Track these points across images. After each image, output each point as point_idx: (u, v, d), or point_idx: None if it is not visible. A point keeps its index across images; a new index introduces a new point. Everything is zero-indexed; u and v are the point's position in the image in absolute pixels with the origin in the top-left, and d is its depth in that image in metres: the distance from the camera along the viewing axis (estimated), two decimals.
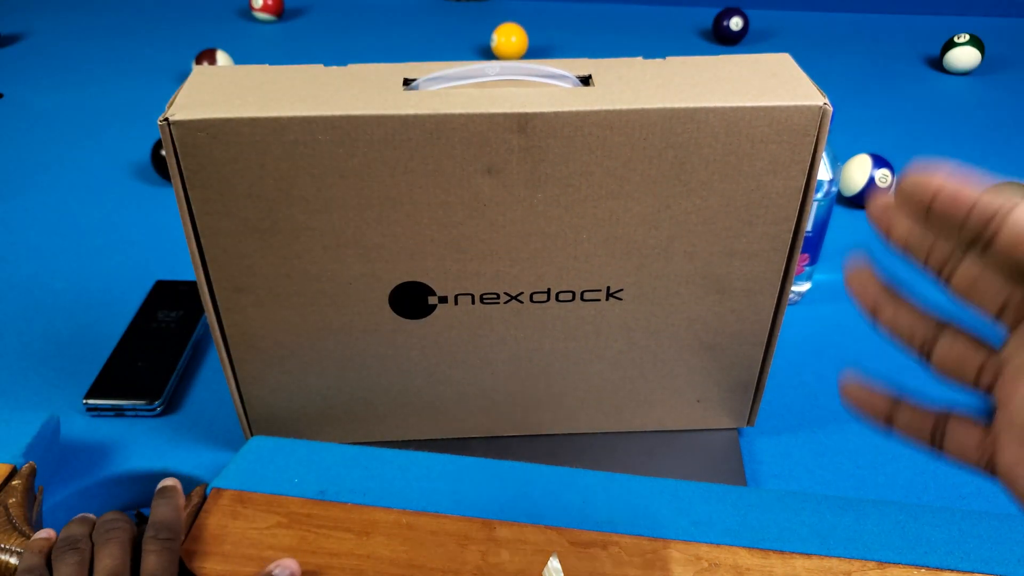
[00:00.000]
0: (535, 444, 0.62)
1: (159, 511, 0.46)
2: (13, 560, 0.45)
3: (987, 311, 0.24)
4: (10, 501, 0.48)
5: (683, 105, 0.44)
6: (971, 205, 0.23)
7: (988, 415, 0.24)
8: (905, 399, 0.27)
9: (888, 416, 0.27)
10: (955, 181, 0.23)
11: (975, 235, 0.23)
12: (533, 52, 1.32)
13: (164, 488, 0.48)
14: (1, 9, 1.52)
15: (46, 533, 0.45)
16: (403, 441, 0.61)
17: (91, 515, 0.46)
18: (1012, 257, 0.22)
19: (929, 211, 0.24)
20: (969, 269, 0.24)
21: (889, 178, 0.88)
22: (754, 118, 0.45)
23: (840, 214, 0.90)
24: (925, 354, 0.26)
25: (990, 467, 0.24)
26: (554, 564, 0.44)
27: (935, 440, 0.26)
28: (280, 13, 1.46)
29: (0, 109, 1.15)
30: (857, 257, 0.28)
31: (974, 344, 0.25)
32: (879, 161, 0.88)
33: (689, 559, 0.46)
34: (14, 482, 0.49)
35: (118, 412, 0.63)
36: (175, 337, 0.69)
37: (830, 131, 0.48)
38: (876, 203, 0.26)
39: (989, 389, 0.24)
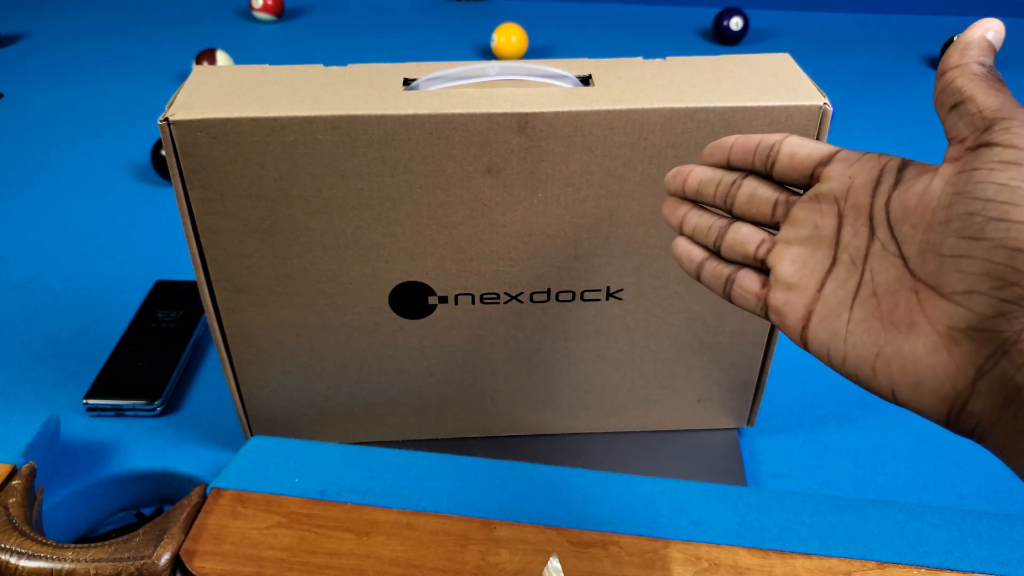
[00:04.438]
0: (535, 444, 0.62)
1: None
2: (13, 560, 0.45)
3: (763, 215, 0.33)
4: (10, 501, 0.48)
5: (683, 105, 0.44)
6: (758, 143, 0.33)
7: (765, 275, 0.33)
8: (710, 258, 0.35)
9: (697, 269, 0.36)
10: (744, 136, 0.34)
11: (762, 162, 0.33)
12: (533, 52, 1.32)
13: None
14: (1, 9, 1.52)
15: None
16: (403, 441, 0.61)
17: None
18: (785, 167, 0.32)
19: (729, 158, 0.35)
20: (745, 189, 0.34)
21: None
22: (754, 118, 0.45)
23: None
24: (718, 244, 0.35)
25: (764, 311, 0.33)
26: (554, 564, 0.44)
27: (726, 289, 0.34)
28: (280, 13, 1.46)
29: (0, 109, 1.15)
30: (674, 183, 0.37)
31: (754, 229, 0.34)
32: None
33: (689, 559, 0.46)
34: (14, 482, 0.49)
35: (118, 412, 0.63)
36: (175, 337, 0.69)
37: (830, 131, 0.48)
38: (669, 191, 0.37)
39: (764, 259, 0.33)
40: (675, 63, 0.49)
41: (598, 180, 0.47)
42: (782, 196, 0.33)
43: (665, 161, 0.46)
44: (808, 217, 0.31)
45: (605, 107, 0.44)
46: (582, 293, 0.53)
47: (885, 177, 0.29)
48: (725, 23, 1.34)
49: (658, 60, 0.50)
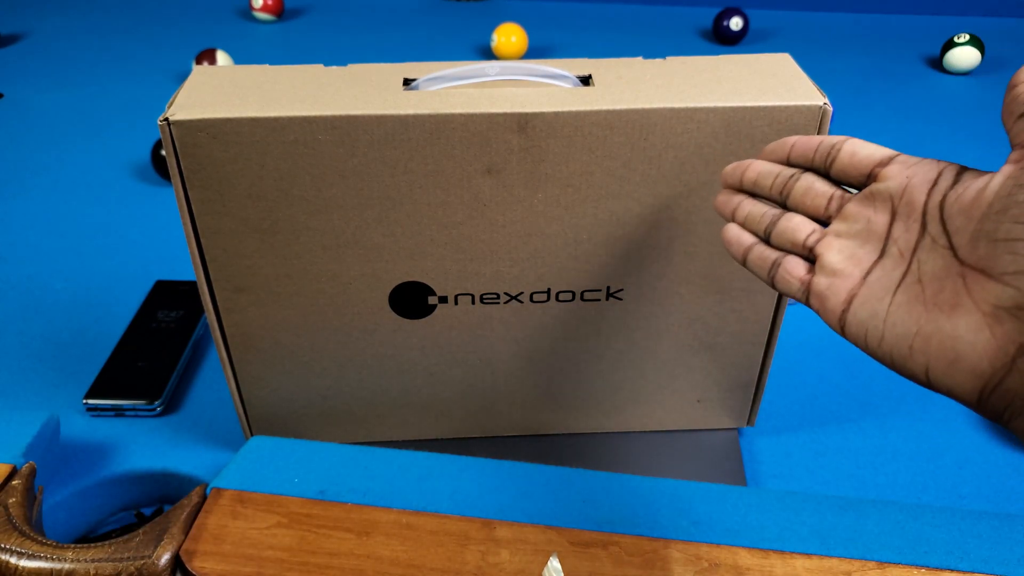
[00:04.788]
0: (535, 444, 0.62)
1: None
2: (13, 560, 0.45)
3: (816, 208, 0.35)
4: (10, 501, 0.48)
5: (683, 105, 0.44)
6: (820, 142, 0.35)
7: (811, 263, 0.35)
8: (759, 244, 0.37)
9: (744, 253, 0.37)
10: (805, 136, 0.36)
11: (822, 159, 0.35)
12: (533, 52, 1.32)
13: None
14: (1, 9, 1.52)
15: None
16: (403, 441, 0.61)
17: None
18: (845, 165, 0.34)
19: (789, 155, 0.36)
20: (803, 183, 0.35)
21: None
22: (754, 118, 0.45)
23: None
24: (768, 232, 0.36)
25: (805, 296, 0.34)
26: (554, 564, 0.44)
27: (770, 273, 0.36)
28: (280, 13, 1.46)
29: (0, 109, 1.15)
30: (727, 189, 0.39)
31: (806, 220, 0.35)
32: None
33: (689, 559, 0.46)
34: (14, 482, 0.49)
35: (118, 412, 0.63)
36: (175, 337, 0.69)
37: (830, 131, 0.48)
38: (726, 183, 0.39)
39: (812, 248, 0.34)
40: (675, 63, 0.49)
41: (598, 180, 0.47)
42: (837, 192, 0.35)
43: (665, 161, 0.46)
44: (861, 213, 0.33)
45: (605, 107, 0.44)
46: (582, 293, 0.53)
47: (943, 178, 0.31)
48: (725, 23, 1.34)
49: (658, 60, 0.50)
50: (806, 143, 0.36)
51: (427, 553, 0.46)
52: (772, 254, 0.36)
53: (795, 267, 0.35)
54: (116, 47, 1.37)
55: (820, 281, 0.33)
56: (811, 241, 0.34)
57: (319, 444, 0.53)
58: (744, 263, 0.37)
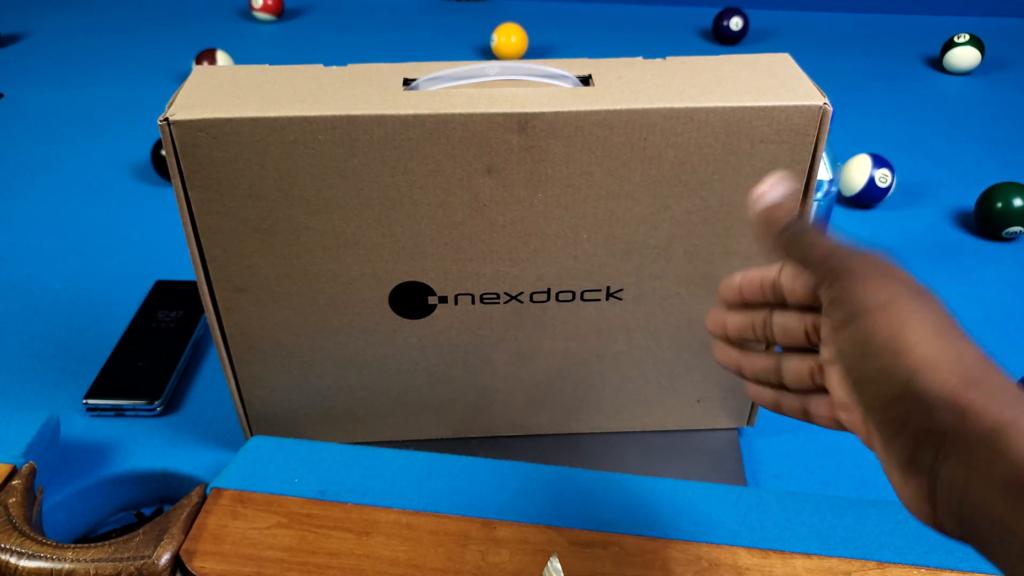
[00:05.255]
0: (535, 444, 0.62)
1: None
2: (13, 560, 0.45)
3: (800, 342, 0.34)
4: (10, 501, 0.48)
5: (683, 105, 0.44)
6: (760, 279, 0.35)
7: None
8: (783, 393, 0.36)
9: (775, 407, 0.36)
10: (747, 273, 0.36)
11: (777, 296, 0.35)
12: (533, 52, 1.32)
13: None
14: (1, 9, 1.52)
15: None
16: (403, 441, 0.61)
17: None
18: (799, 299, 0.33)
19: (742, 296, 0.36)
20: (777, 327, 0.35)
21: (889, 178, 0.88)
22: (754, 118, 0.45)
23: (840, 214, 0.90)
24: (780, 383, 0.36)
25: (844, 430, 0.33)
26: (554, 564, 0.44)
27: (808, 418, 0.35)
28: (280, 13, 1.46)
29: (0, 109, 1.15)
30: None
31: (803, 359, 0.34)
32: (879, 161, 0.88)
33: (689, 559, 0.46)
34: (14, 482, 0.49)
35: (118, 412, 0.63)
36: (175, 337, 0.69)
37: (830, 131, 0.48)
38: (714, 333, 0.38)
39: (821, 386, 0.34)
40: (675, 63, 0.49)
41: (598, 180, 0.47)
42: (809, 322, 0.34)
43: (665, 161, 0.46)
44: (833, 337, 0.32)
45: (605, 107, 0.44)
46: (582, 293, 0.53)
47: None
48: (725, 23, 1.34)
49: (658, 60, 0.50)
50: (749, 283, 0.36)
51: (427, 553, 0.46)
52: (795, 401, 0.35)
53: (820, 408, 0.34)
54: (116, 47, 1.37)
55: (843, 416, 0.32)
56: (817, 380, 0.34)
57: (319, 444, 0.53)
58: (781, 413, 0.37)
